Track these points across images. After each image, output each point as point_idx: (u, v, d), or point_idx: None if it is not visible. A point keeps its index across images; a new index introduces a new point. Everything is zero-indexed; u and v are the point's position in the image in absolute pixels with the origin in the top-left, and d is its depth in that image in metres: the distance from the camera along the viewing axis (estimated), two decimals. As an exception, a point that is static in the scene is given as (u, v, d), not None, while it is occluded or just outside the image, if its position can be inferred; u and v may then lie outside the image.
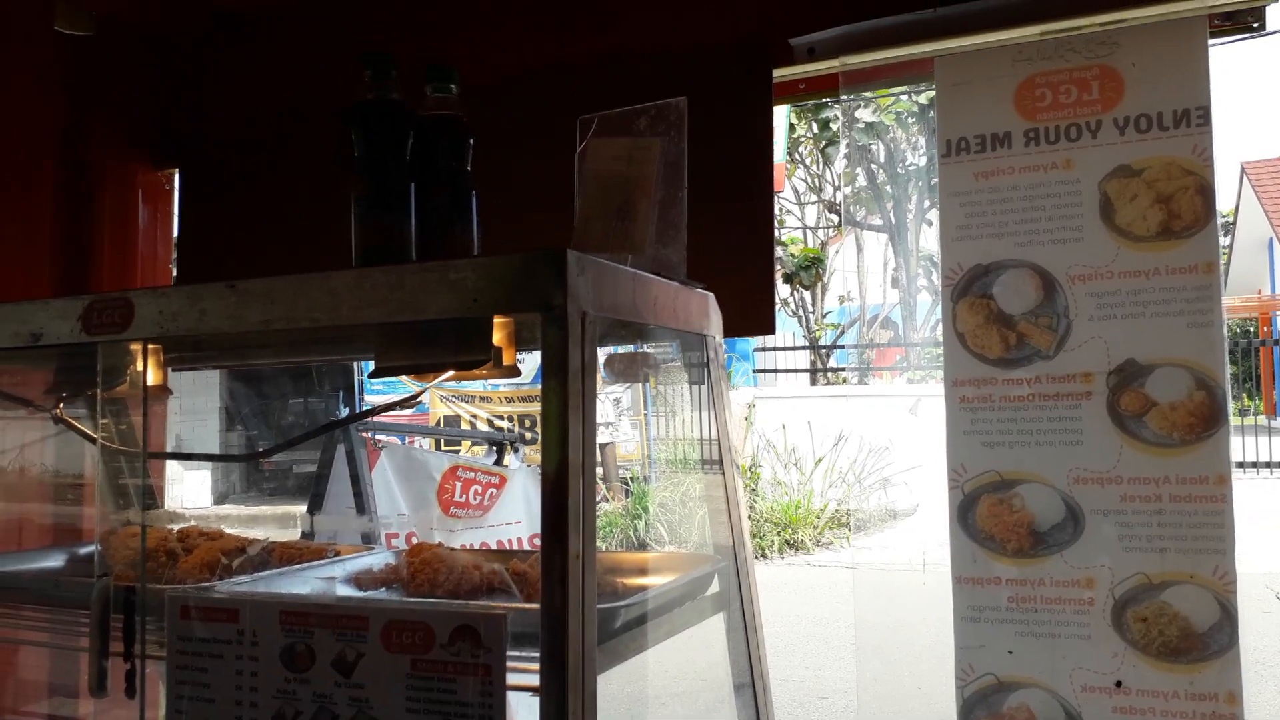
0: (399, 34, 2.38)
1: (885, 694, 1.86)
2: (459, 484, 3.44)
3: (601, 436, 11.78)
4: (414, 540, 3.35)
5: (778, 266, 19.24)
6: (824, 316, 19.00)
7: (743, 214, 2.04)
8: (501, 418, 12.20)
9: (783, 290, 19.41)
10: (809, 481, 10.87)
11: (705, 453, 1.66)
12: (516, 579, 1.61)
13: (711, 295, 1.61)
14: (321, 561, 1.81)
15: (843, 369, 17.79)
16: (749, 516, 10.39)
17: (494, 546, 3.71)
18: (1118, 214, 1.76)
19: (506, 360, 1.49)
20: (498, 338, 1.41)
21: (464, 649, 1.18)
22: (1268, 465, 12.72)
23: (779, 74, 2.05)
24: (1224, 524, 1.69)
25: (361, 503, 2.96)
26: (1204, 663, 1.69)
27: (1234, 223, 22.02)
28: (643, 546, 10.24)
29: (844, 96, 2.00)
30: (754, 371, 15.40)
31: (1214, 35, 1.82)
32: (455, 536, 3.51)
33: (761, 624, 1.71)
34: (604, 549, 9.46)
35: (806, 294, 19.18)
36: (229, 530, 1.99)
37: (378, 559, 1.88)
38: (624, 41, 2.24)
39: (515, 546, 3.74)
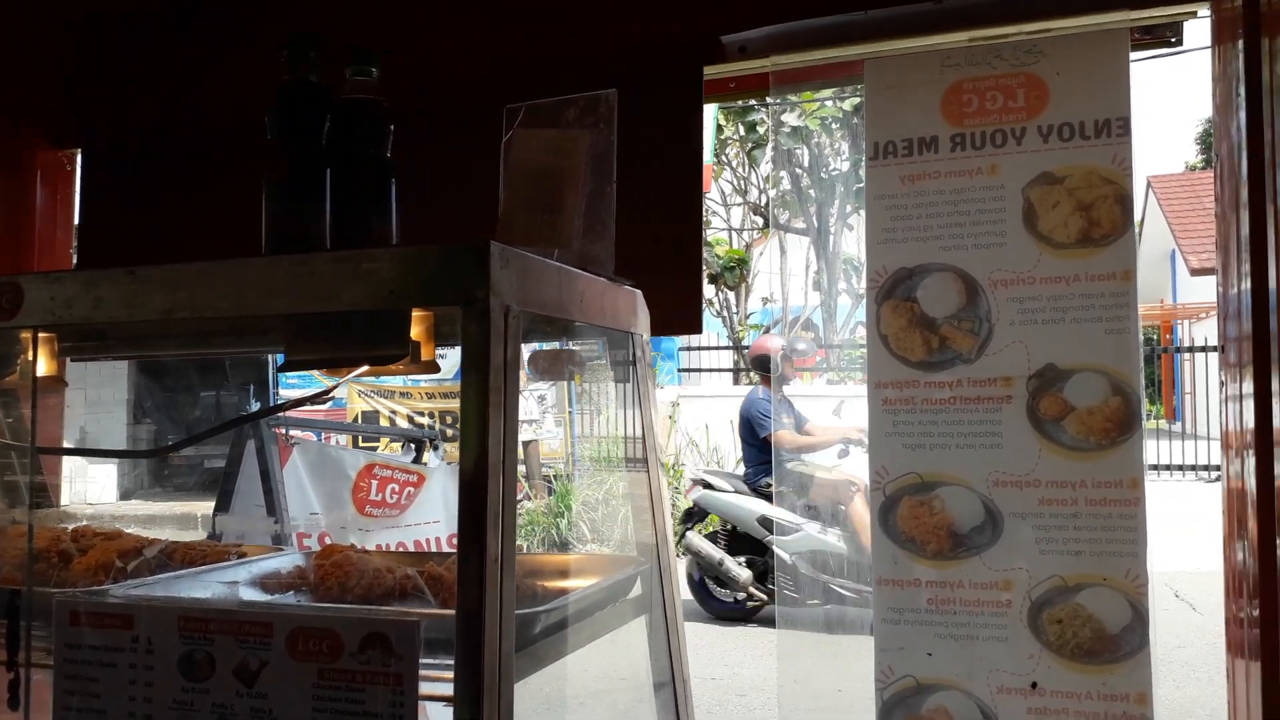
0: (327, 24, 2.29)
1: (805, 696, 1.86)
2: (375, 482, 3.35)
3: (525, 434, 11.69)
4: (327, 541, 3.24)
5: (704, 267, 19.36)
6: (748, 317, 19.17)
7: (673, 212, 2.01)
8: (422, 414, 12.01)
9: (708, 290, 19.52)
10: (730, 480, 10.93)
11: (629, 451, 1.63)
12: (431, 583, 1.55)
13: (639, 293, 1.58)
14: (226, 564, 1.73)
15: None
16: (672, 515, 10.44)
17: (411, 547, 3.62)
18: (1040, 220, 1.78)
19: (425, 355, 1.44)
20: (416, 332, 1.36)
21: (374, 657, 1.12)
22: (1167, 468, 13.24)
23: (710, 72, 2.03)
24: (1137, 527, 1.72)
25: (272, 502, 2.85)
26: (1116, 664, 1.72)
27: (1140, 235, 22.87)
28: (564, 545, 10.19)
29: (772, 98, 1.99)
30: (678, 371, 15.45)
31: (1135, 48, 1.85)
32: (371, 537, 3.41)
33: (682, 624, 1.69)
34: (525, 549, 9.38)
35: (731, 294, 19.34)
36: (129, 530, 1.89)
37: (286, 561, 1.80)
38: (557, 34, 2.20)
39: (433, 547, 3.66)
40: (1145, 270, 22.18)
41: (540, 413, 12.64)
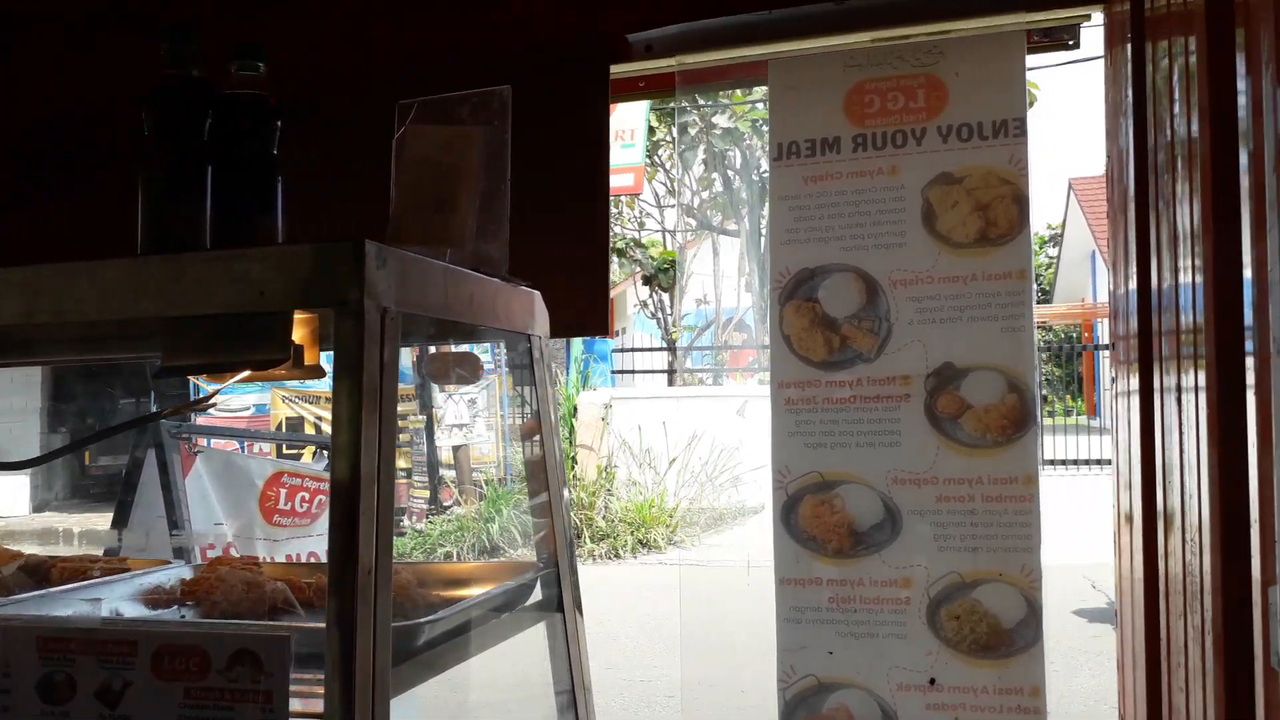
0: (214, 18, 2.22)
1: (708, 695, 1.85)
2: (284, 491, 3.26)
3: (455, 439, 11.55)
4: (232, 553, 3.15)
5: (637, 269, 19.39)
6: (682, 318, 19.25)
7: (578, 212, 1.99)
8: (351, 418, 11.77)
9: (642, 292, 19.55)
10: (663, 481, 10.96)
11: (530, 454, 1.60)
12: (320, 595, 1.50)
13: (537, 294, 1.55)
14: (107, 579, 1.65)
15: (699, 370, 18.06)
16: (604, 517, 10.43)
17: (324, 557, 3.53)
18: (939, 220, 1.80)
19: (308, 360, 1.39)
20: (299, 335, 1.31)
21: (243, 674, 1.08)
22: (1087, 463, 13.61)
23: (617, 70, 2.02)
24: (1032, 523, 1.75)
25: (174, 512, 2.76)
26: (1011, 658, 1.74)
27: (1062, 235, 23.49)
28: (494, 550, 10.10)
29: (679, 98, 1.98)
30: (612, 373, 15.44)
31: (1034, 51, 1.89)
32: (280, 547, 3.32)
33: (582, 630, 1.67)
34: (455, 556, 9.26)
35: (665, 296, 19.41)
36: (17, 546, 1.81)
37: (170, 575, 1.73)
38: (458, 29, 2.15)
39: (350, 553, 3.58)
40: (1067, 270, 22.83)
41: (470, 417, 12.53)
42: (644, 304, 19.49)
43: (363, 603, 1.07)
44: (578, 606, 1.67)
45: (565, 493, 1.64)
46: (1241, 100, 1.11)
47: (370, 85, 2.07)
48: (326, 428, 11.45)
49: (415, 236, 1.40)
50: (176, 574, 1.70)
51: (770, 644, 1.86)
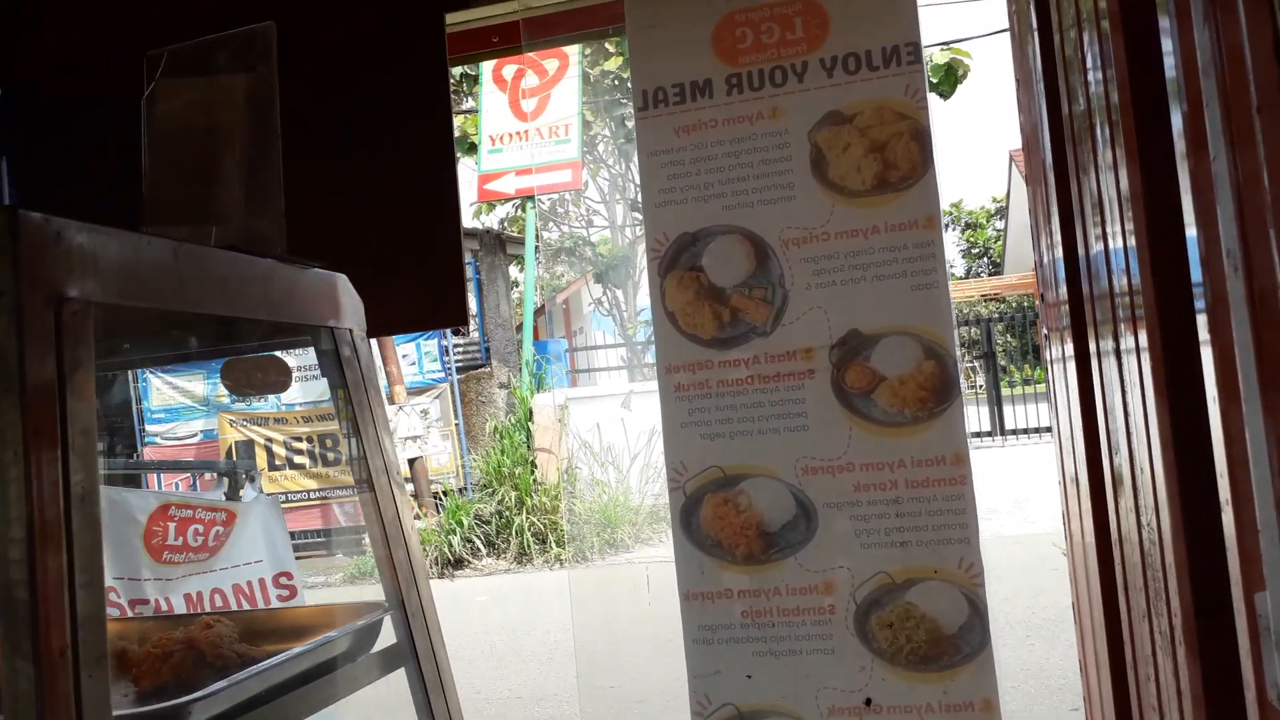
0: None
1: (682, 697, 1.58)
2: (173, 525, 2.95)
3: (409, 451, 11.24)
4: (112, 598, 2.84)
5: (588, 267, 19.11)
6: (638, 314, 19.04)
7: (424, 190, 1.71)
8: (300, 439, 11.43)
9: (595, 290, 19.30)
10: (626, 479, 10.71)
11: (357, 473, 1.33)
12: (181, 649, 1.22)
13: (342, 277, 1.27)
14: None
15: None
16: (568, 520, 10.16)
17: (230, 592, 3.23)
18: (830, 167, 1.54)
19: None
20: None
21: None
22: (1049, 430, 13.56)
23: (455, 20, 1.74)
24: (965, 509, 1.50)
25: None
26: (956, 668, 1.50)
27: (1007, 207, 23.56)
28: (459, 563, 9.80)
29: (525, 50, 1.71)
30: (566, 372, 15.14)
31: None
32: (176, 586, 3.02)
33: (447, 673, 1.40)
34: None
35: (619, 292, 19.20)
36: None
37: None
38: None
39: (258, 590, 3.28)
40: (1015, 240, 22.91)
41: (425, 428, 12.19)
42: (599, 302, 19.23)
43: (56, 698, 0.79)
44: (436, 649, 1.40)
45: (406, 514, 1.37)
46: (1168, 49, 0.91)
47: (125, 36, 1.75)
48: (279, 450, 11.07)
49: (174, 214, 1.13)
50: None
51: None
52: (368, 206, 1.49)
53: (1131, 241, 1.06)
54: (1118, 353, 1.22)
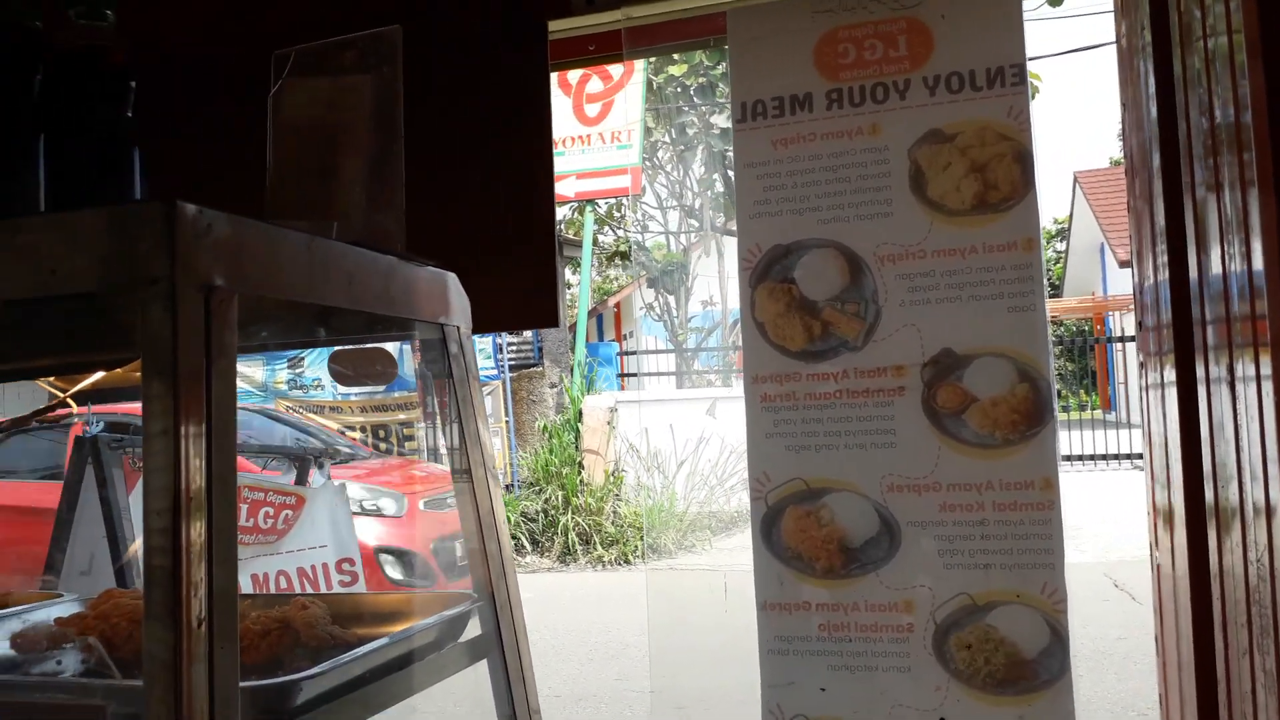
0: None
1: (722, 707, 1.59)
2: (245, 506, 3.03)
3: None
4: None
5: (642, 272, 19.16)
6: (688, 320, 19.07)
7: (521, 190, 1.74)
8: (354, 429, 11.60)
9: (648, 295, 19.34)
10: (671, 484, 10.73)
11: (454, 463, 1.36)
12: (278, 629, 1.26)
13: (451, 276, 1.30)
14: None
15: (707, 371, 17.83)
16: (613, 523, 10.18)
17: (294, 575, 3.31)
18: (929, 185, 1.54)
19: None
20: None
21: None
22: (1104, 457, 13.30)
23: (558, 29, 1.77)
24: (1052, 535, 1.49)
25: (115, 532, 2.53)
26: (1034, 694, 1.49)
27: (1069, 229, 23.15)
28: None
29: (627, 57, 1.74)
30: (617, 376, 15.20)
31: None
32: (244, 566, 3.10)
33: (528, 667, 1.42)
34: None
35: (671, 298, 19.22)
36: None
37: (61, 610, 1.50)
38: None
39: (320, 575, 3.35)
40: (1076, 264, 22.51)
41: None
42: (650, 307, 19.27)
43: (192, 666, 0.83)
44: (520, 642, 1.42)
45: (498, 507, 1.40)
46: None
47: (250, 42, 1.80)
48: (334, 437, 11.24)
49: (295, 209, 1.17)
50: (68, 609, 1.46)
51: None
52: (471, 208, 1.53)
53: (1258, 265, 1.05)
54: (1232, 381, 1.21)
